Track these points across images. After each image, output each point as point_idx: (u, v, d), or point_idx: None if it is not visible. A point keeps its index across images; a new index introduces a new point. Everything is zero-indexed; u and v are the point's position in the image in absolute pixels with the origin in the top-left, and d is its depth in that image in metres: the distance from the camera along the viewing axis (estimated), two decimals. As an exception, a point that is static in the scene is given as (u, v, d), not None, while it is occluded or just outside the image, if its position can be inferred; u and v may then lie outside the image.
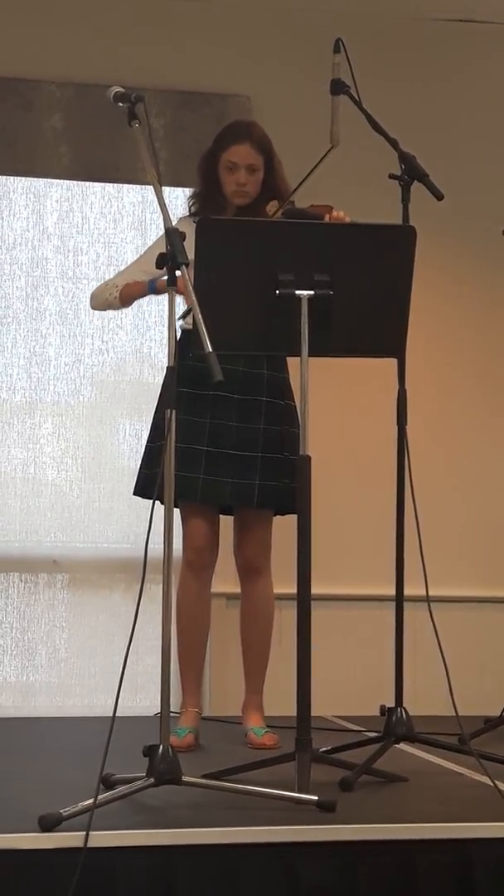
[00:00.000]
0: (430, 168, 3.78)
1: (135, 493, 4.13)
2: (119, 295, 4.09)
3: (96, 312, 5.22)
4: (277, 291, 3.35)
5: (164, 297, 3.21)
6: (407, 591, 3.71)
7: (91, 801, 2.85)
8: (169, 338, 3.15)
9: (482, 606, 5.32)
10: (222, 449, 4.00)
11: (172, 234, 3.11)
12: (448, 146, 5.28)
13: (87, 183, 5.21)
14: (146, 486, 4.03)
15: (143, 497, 4.07)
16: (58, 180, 5.19)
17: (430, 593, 3.54)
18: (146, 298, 4.15)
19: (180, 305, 3.60)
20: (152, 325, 5.22)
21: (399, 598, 3.72)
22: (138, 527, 5.00)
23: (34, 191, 5.21)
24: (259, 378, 4.06)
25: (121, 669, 2.95)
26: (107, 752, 2.93)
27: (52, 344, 5.20)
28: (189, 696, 4.11)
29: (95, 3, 5.20)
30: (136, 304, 4.20)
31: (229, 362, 3.79)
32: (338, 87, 3.88)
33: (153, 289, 3.97)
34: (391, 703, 3.67)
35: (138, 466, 4.18)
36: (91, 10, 5.19)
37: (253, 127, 4.15)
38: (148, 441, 4.13)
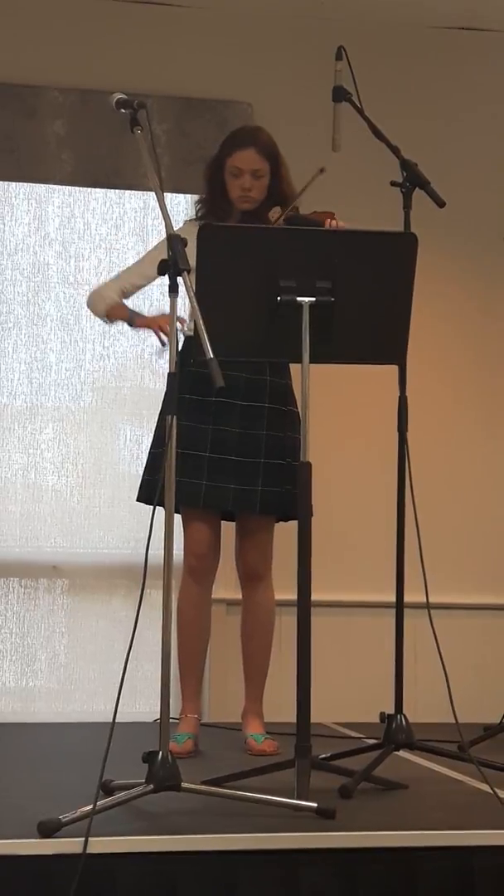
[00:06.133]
0: (431, 175, 3.79)
1: (138, 500, 4.13)
2: (106, 313, 4.14)
3: (97, 318, 5.23)
4: (279, 298, 3.35)
5: (166, 302, 3.22)
6: (407, 598, 3.71)
7: (90, 807, 2.85)
8: (170, 344, 3.16)
9: (482, 613, 5.32)
10: (225, 455, 4.00)
11: (174, 241, 3.11)
12: (449, 154, 5.28)
13: (89, 189, 5.22)
14: (149, 492, 4.03)
15: (146, 503, 4.06)
16: (60, 186, 5.19)
17: (431, 600, 3.54)
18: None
19: (181, 311, 3.60)
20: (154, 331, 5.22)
21: (399, 605, 3.72)
22: (138, 532, 4.99)
23: (36, 196, 5.21)
24: (262, 384, 4.06)
25: (121, 675, 2.95)
26: (106, 758, 2.92)
27: (53, 349, 5.21)
28: (189, 702, 4.11)
29: (98, 9, 5.21)
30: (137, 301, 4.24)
31: (232, 369, 3.81)
32: (339, 95, 3.89)
33: (131, 323, 4.05)
34: (391, 710, 3.67)
35: (139, 472, 4.18)
36: (93, 17, 5.19)
37: (258, 132, 4.15)
38: (151, 447, 4.13)
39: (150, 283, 4.11)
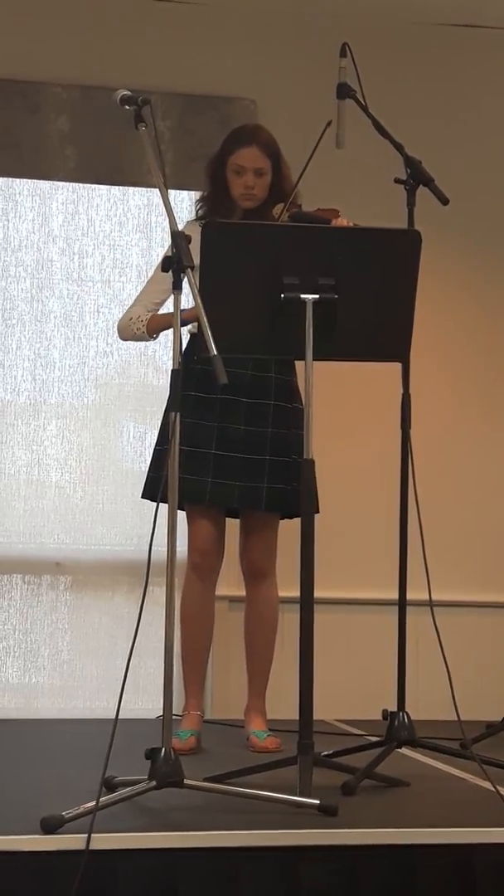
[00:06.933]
0: (435, 172, 3.78)
1: (143, 496, 4.13)
2: (146, 329, 4.11)
3: (101, 315, 5.23)
4: (282, 295, 3.35)
5: (169, 300, 3.21)
6: (410, 596, 3.71)
7: (93, 803, 2.86)
8: (174, 340, 3.16)
9: (485, 611, 5.32)
10: (230, 453, 4.00)
11: (178, 238, 3.12)
12: (453, 151, 5.27)
13: (93, 185, 5.22)
14: (153, 488, 4.03)
15: (150, 500, 4.06)
16: (63, 182, 5.19)
17: (433, 598, 3.54)
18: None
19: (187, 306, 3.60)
20: (157, 328, 5.22)
21: (402, 603, 3.72)
22: (141, 529, 5.00)
23: (40, 193, 5.21)
24: (267, 381, 4.06)
25: (123, 672, 2.95)
26: (109, 755, 2.93)
27: (57, 346, 5.21)
28: (191, 698, 4.11)
29: (101, 5, 5.21)
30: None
31: (237, 366, 3.81)
32: (344, 92, 3.89)
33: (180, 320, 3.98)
34: (393, 708, 3.67)
35: (142, 469, 4.18)
36: (97, 13, 5.19)
37: (260, 130, 4.16)
38: (156, 444, 4.13)
39: (170, 296, 4.08)
